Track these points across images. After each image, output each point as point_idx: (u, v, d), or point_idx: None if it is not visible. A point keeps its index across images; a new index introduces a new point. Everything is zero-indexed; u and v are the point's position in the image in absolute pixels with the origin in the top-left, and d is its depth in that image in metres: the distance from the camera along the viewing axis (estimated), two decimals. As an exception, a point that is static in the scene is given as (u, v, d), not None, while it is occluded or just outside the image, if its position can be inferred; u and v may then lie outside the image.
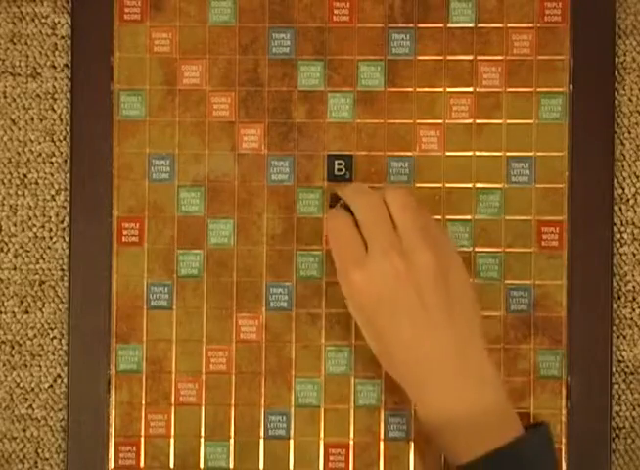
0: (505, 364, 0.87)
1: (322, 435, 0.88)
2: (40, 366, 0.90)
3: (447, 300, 0.76)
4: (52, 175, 0.90)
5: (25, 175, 0.90)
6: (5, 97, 0.90)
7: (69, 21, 0.90)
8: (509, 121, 0.88)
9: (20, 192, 0.90)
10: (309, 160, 0.89)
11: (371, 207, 0.78)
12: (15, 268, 0.90)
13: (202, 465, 0.88)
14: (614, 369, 0.88)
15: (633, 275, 0.89)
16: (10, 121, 0.90)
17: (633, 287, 0.89)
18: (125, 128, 0.89)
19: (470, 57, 0.89)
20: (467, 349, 0.76)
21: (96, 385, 0.88)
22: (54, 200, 0.90)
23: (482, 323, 0.79)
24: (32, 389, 0.90)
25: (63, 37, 0.90)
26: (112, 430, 0.88)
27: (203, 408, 0.88)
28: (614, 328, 0.88)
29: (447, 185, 0.88)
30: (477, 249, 0.88)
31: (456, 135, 0.88)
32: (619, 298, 0.89)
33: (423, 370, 0.76)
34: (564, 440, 0.87)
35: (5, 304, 0.90)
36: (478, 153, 0.88)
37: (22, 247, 0.90)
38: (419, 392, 0.77)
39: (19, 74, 0.90)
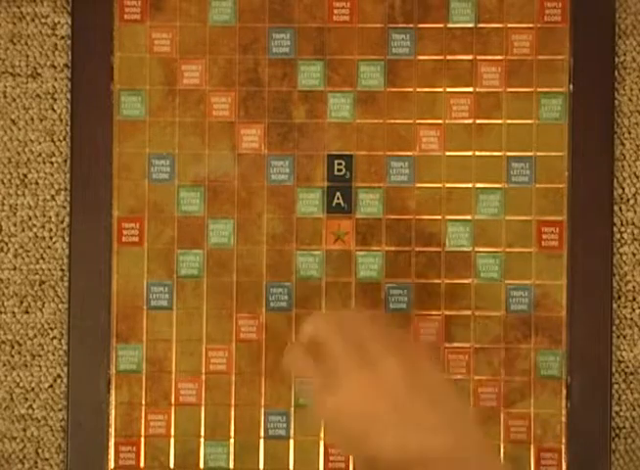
0: (505, 364, 0.87)
1: (322, 435, 0.88)
2: (40, 366, 0.90)
3: (427, 398, 0.73)
4: (52, 175, 0.90)
5: (25, 175, 0.90)
6: (5, 97, 0.90)
7: (69, 21, 0.90)
8: (509, 121, 0.88)
9: (20, 192, 0.90)
10: (309, 160, 0.89)
11: (328, 328, 0.76)
12: (15, 268, 0.90)
13: (202, 465, 0.88)
14: (614, 369, 0.88)
15: (633, 275, 0.89)
16: (10, 121, 0.90)
17: (633, 287, 0.89)
18: (125, 128, 0.89)
19: (470, 57, 0.89)
20: (464, 441, 0.72)
21: (96, 385, 0.88)
22: (54, 200, 0.90)
23: (472, 411, 0.76)
24: (32, 389, 0.90)
25: (63, 37, 0.90)
26: (112, 430, 0.88)
27: (203, 408, 0.88)
28: (614, 328, 0.88)
29: (447, 185, 0.88)
30: (477, 249, 0.88)
31: (456, 135, 0.88)
32: (619, 298, 0.89)
33: None
34: (564, 440, 0.87)
35: (5, 304, 0.90)
36: (478, 153, 0.88)
37: (22, 247, 0.90)
38: None
39: (19, 74, 0.90)
